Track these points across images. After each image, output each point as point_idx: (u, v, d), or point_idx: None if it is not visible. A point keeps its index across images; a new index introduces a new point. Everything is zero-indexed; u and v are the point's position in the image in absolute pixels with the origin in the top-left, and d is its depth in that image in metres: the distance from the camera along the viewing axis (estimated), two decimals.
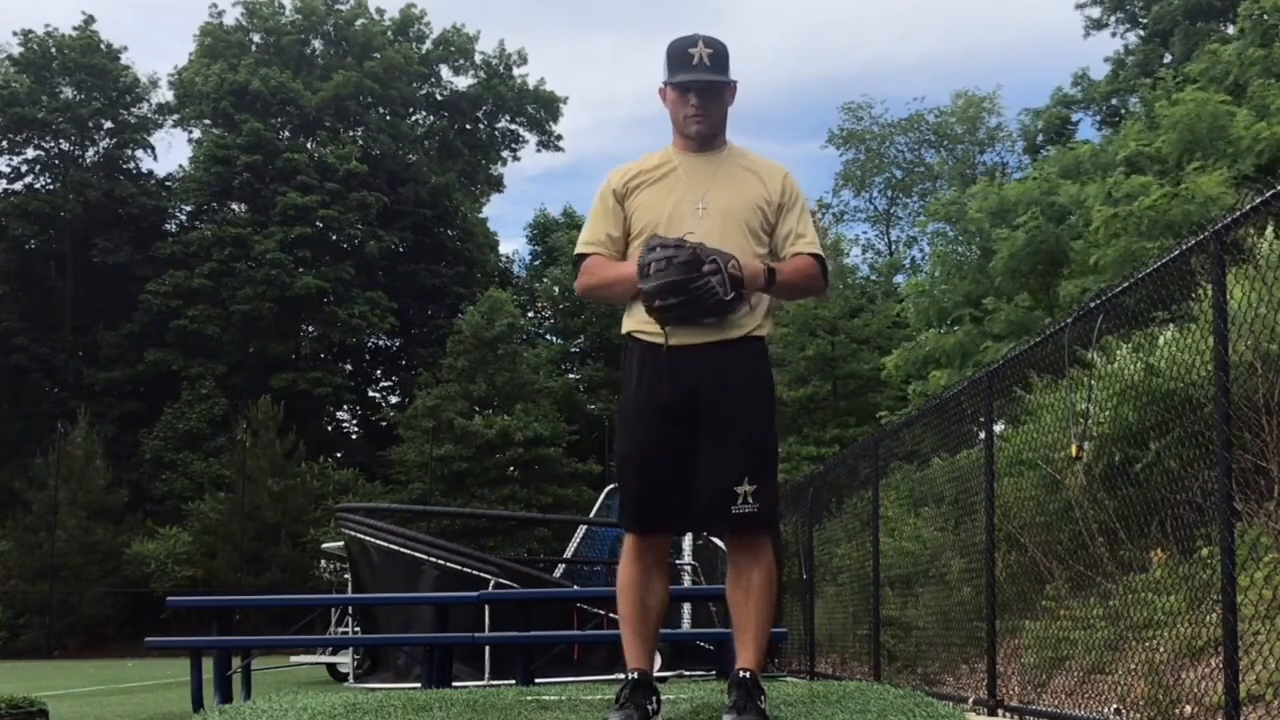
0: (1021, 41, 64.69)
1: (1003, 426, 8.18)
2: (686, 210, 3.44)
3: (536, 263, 47.54)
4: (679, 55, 3.48)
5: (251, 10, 45.41)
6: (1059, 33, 62.08)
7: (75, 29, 42.20)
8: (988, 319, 17.58)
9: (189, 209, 44.08)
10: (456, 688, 5.80)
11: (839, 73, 68.43)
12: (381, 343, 46.28)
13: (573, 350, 44.08)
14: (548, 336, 44.65)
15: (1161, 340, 5.99)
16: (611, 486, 19.52)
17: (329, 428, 43.94)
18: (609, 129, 73.38)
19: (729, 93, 3.55)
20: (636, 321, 3.48)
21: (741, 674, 3.40)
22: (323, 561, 30.27)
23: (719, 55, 3.48)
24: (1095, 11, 31.08)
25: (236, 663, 7.82)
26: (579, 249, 3.60)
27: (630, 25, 71.75)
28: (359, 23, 46.12)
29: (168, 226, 43.95)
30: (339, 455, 40.90)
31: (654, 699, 3.41)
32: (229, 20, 45.43)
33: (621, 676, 3.48)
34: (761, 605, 3.46)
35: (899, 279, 35.21)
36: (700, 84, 3.46)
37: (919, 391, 18.26)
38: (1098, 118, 29.14)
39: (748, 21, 70.27)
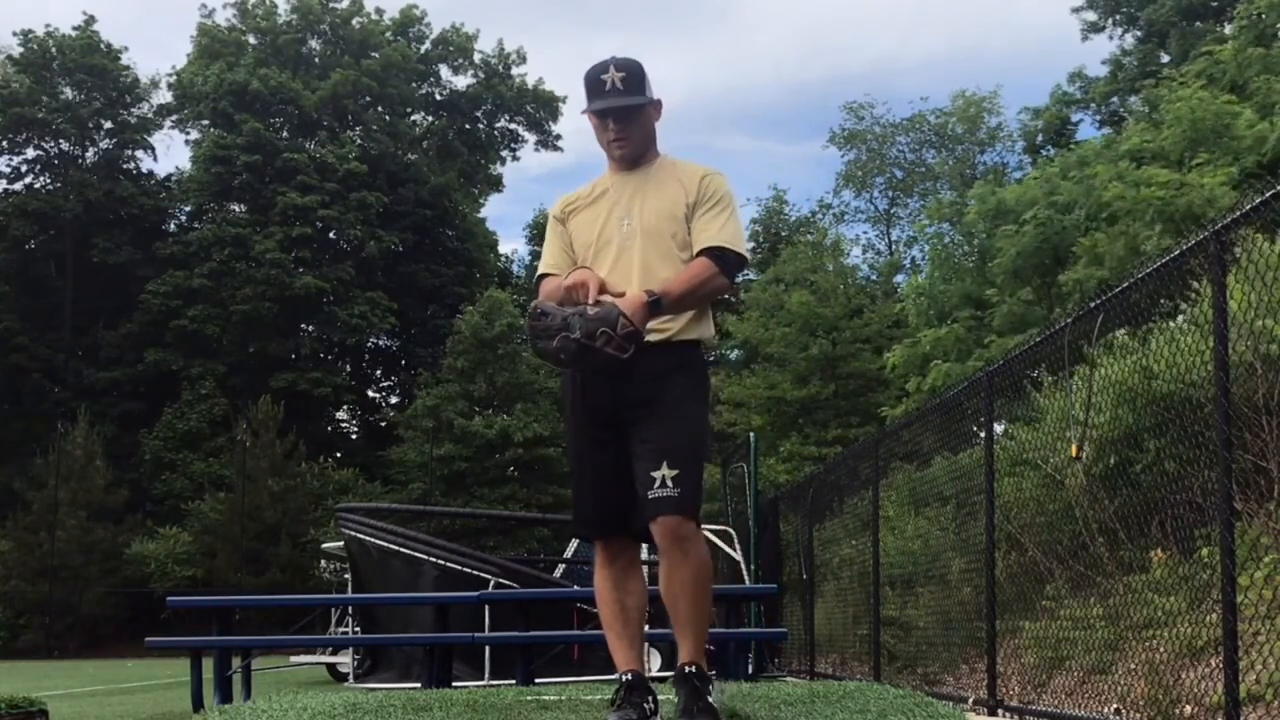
0: (1026, 41, 64.60)
1: (1003, 427, 8.18)
2: (613, 226, 3.56)
3: (536, 263, 47.47)
4: (593, 83, 3.56)
5: (244, 10, 45.38)
6: (1063, 31, 62.15)
7: (75, 29, 42.19)
8: (989, 312, 17.61)
9: (189, 209, 44.06)
10: (456, 688, 5.81)
11: (843, 72, 68.34)
12: (381, 343, 46.26)
13: None
14: None
15: (1154, 344, 5.99)
16: None
17: (329, 428, 43.91)
18: None
19: (651, 110, 3.62)
20: None
21: (685, 669, 3.39)
22: (323, 561, 30.27)
23: (631, 77, 3.54)
24: (1092, 15, 31.07)
25: (236, 663, 7.82)
26: (540, 270, 3.75)
27: (636, 25, 71.67)
28: (355, 22, 46.09)
29: (168, 226, 43.94)
30: (339, 455, 40.86)
31: (650, 699, 3.43)
32: (220, 20, 45.45)
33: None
34: (686, 595, 3.41)
35: (899, 279, 35.21)
36: (613, 109, 3.55)
37: (918, 387, 18.29)
38: (1098, 118, 29.16)
39: (752, 21, 70.24)
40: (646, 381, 3.41)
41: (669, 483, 3.33)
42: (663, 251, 3.50)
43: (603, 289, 3.35)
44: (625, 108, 3.55)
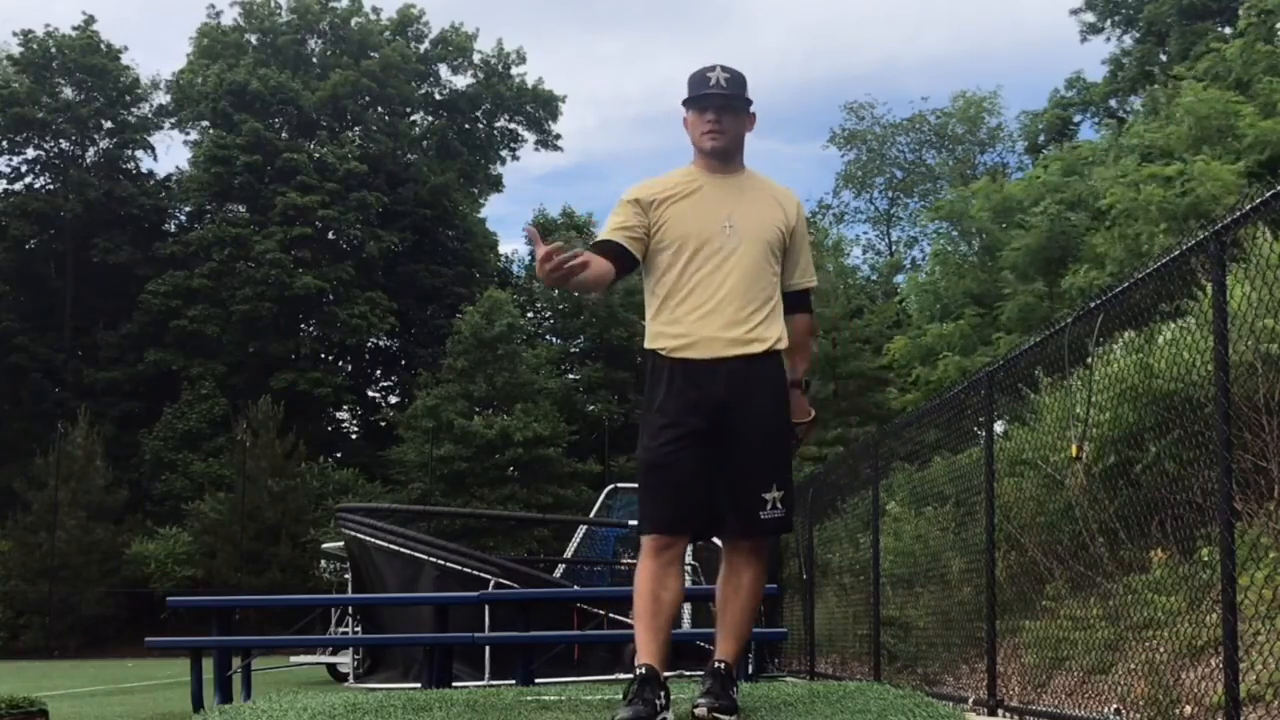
0: (1030, 41, 64.62)
1: (1004, 426, 8.17)
2: (715, 227, 3.64)
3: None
4: (698, 80, 3.70)
5: (248, 10, 45.39)
6: (1065, 32, 62.07)
7: (75, 29, 42.17)
8: (996, 307, 17.61)
9: (189, 209, 44.04)
10: (456, 688, 5.81)
11: (845, 73, 68.36)
12: (381, 343, 46.24)
13: (572, 350, 44.04)
14: (547, 337, 44.61)
15: (1161, 339, 5.99)
16: (612, 487, 19.50)
17: (329, 428, 43.90)
18: (617, 128, 73.39)
19: (747, 118, 3.74)
20: (659, 338, 3.67)
21: (718, 665, 3.60)
22: (323, 561, 30.25)
23: (736, 80, 3.70)
24: (1090, 16, 31.06)
25: (236, 663, 7.82)
26: (600, 237, 3.77)
27: (639, 25, 71.73)
28: (355, 22, 46.07)
29: (168, 226, 43.92)
30: (339, 455, 40.85)
31: (663, 695, 3.45)
32: (226, 21, 45.45)
33: (622, 676, 3.52)
34: (748, 604, 3.68)
35: (899, 279, 35.23)
36: (716, 99, 3.66)
37: (925, 378, 18.30)
38: (1096, 119, 29.19)
39: (756, 21, 70.23)
40: (756, 391, 3.58)
41: (779, 505, 3.59)
42: (761, 263, 3.65)
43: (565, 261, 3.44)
44: (727, 99, 3.67)
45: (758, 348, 3.58)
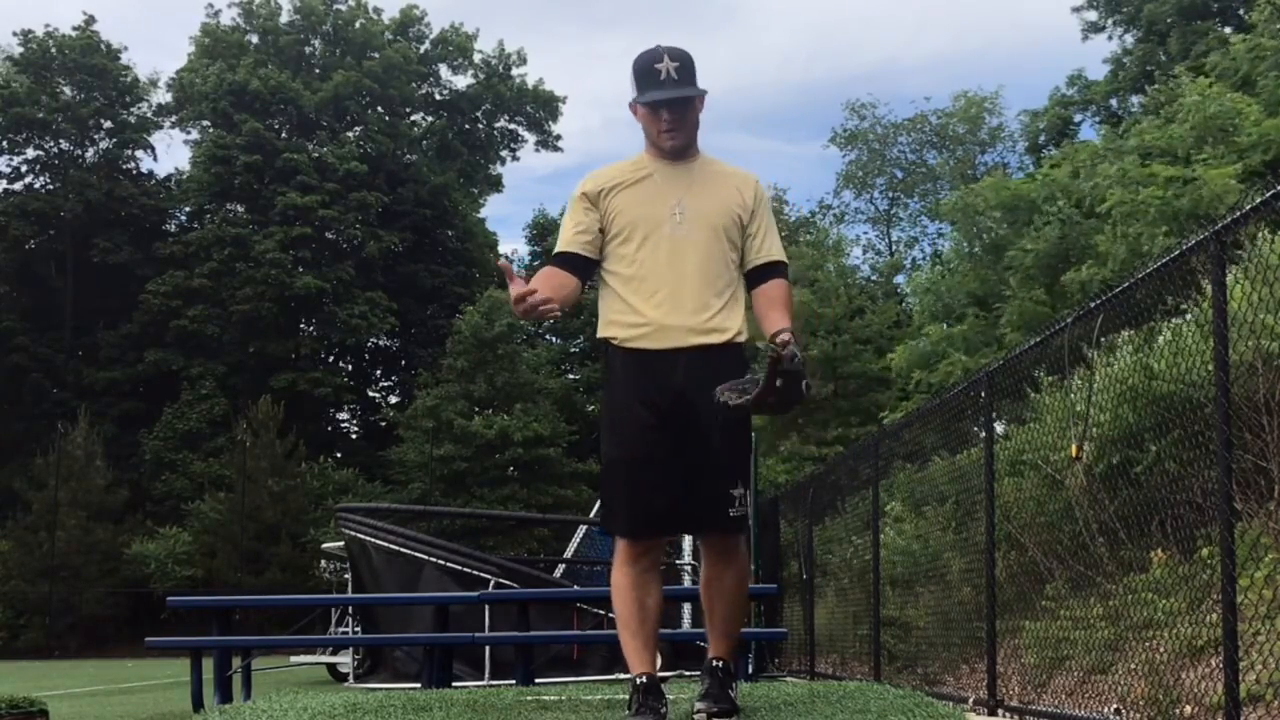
0: (1032, 41, 64.56)
1: (1004, 427, 8.17)
2: (664, 216, 3.51)
3: (535, 263, 47.49)
4: (646, 72, 3.52)
5: (248, 11, 45.39)
6: (1067, 31, 62.03)
7: (75, 29, 42.19)
8: (998, 309, 17.57)
9: (189, 209, 44.05)
10: (456, 688, 5.81)
11: (848, 73, 68.24)
12: (381, 343, 46.25)
13: (572, 350, 44.04)
14: (547, 337, 44.61)
15: (1161, 340, 5.99)
16: None
17: (329, 428, 43.90)
18: (618, 128, 73.47)
19: (699, 102, 3.59)
20: (612, 326, 3.54)
21: (714, 663, 3.53)
22: (323, 561, 30.26)
23: (685, 67, 3.52)
24: (1092, 15, 31.02)
25: (236, 663, 7.82)
26: (557, 248, 3.64)
27: (642, 24, 71.56)
28: (358, 23, 46.08)
29: (168, 226, 43.92)
30: (339, 455, 40.86)
31: (663, 702, 3.44)
32: (225, 20, 45.43)
33: (622, 677, 3.51)
34: (734, 601, 3.62)
35: (899, 279, 35.23)
36: (671, 101, 3.51)
37: (925, 380, 18.26)
38: (1098, 119, 29.15)
39: (759, 20, 70.16)
40: (715, 383, 3.39)
41: (740, 502, 3.47)
42: (714, 250, 3.51)
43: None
44: (683, 99, 3.53)
45: (716, 338, 3.45)
